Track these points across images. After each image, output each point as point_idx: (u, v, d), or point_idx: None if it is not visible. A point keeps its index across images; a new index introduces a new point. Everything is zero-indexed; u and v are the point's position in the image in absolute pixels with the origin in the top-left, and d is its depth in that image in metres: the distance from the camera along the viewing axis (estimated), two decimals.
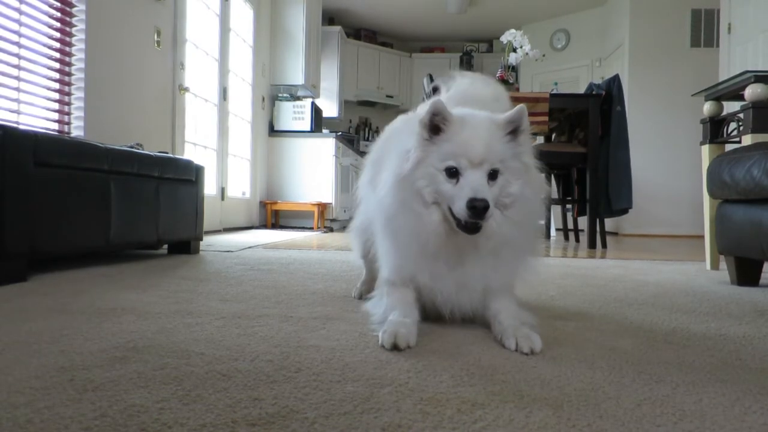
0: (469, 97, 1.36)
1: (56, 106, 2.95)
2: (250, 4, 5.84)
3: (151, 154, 2.67)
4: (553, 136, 5.16)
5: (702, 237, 2.82)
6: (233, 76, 5.47)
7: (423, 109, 1.37)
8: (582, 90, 6.50)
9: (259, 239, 4.22)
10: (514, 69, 6.58)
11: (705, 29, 6.59)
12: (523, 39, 4.86)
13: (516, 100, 4.41)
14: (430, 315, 1.30)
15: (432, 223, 1.15)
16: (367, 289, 1.63)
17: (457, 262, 1.20)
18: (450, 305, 1.24)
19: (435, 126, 1.15)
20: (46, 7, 2.85)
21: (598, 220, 4.22)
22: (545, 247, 3.88)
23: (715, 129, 2.67)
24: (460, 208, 1.08)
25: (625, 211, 4.39)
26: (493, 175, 1.13)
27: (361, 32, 9.06)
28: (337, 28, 8.14)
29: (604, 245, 4.22)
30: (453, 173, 1.12)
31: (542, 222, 1.28)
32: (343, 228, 6.44)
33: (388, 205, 1.19)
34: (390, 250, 1.28)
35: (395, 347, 1.07)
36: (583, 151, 4.23)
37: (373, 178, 1.38)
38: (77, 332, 1.15)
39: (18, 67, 2.65)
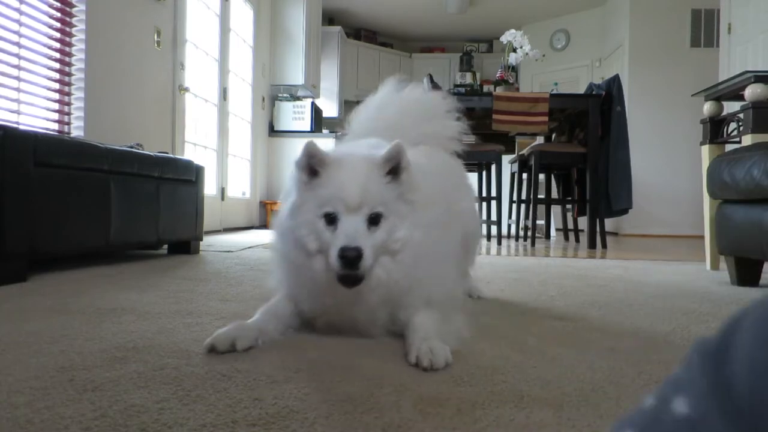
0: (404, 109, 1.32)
1: (56, 106, 2.95)
2: (250, 4, 5.84)
3: (151, 154, 2.67)
4: (553, 136, 5.16)
5: (702, 237, 2.81)
6: (233, 76, 5.47)
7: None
8: (582, 90, 6.48)
9: (259, 239, 4.22)
10: (514, 69, 6.58)
11: (705, 29, 6.59)
12: (523, 39, 4.86)
13: (516, 100, 4.41)
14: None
15: (316, 272, 1.06)
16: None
17: (349, 312, 1.10)
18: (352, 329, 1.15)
19: (312, 169, 1.08)
20: (46, 7, 2.85)
21: (598, 220, 4.22)
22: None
23: (715, 129, 2.67)
24: (333, 258, 0.99)
25: (625, 212, 4.39)
26: (374, 219, 1.04)
27: (361, 32, 9.06)
28: (337, 28, 8.14)
29: (604, 245, 4.22)
30: (331, 219, 1.04)
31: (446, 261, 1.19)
32: None
33: (277, 241, 1.16)
34: (278, 266, 1.21)
35: (212, 349, 1.02)
36: (583, 151, 4.23)
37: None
38: (77, 332, 1.15)
39: (18, 67, 2.65)
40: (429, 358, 0.95)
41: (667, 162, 6.64)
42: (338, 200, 1.03)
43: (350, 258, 0.97)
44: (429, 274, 1.14)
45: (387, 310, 1.12)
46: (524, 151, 4.71)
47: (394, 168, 1.09)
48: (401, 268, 1.07)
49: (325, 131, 6.58)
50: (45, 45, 2.86)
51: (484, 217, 4.90)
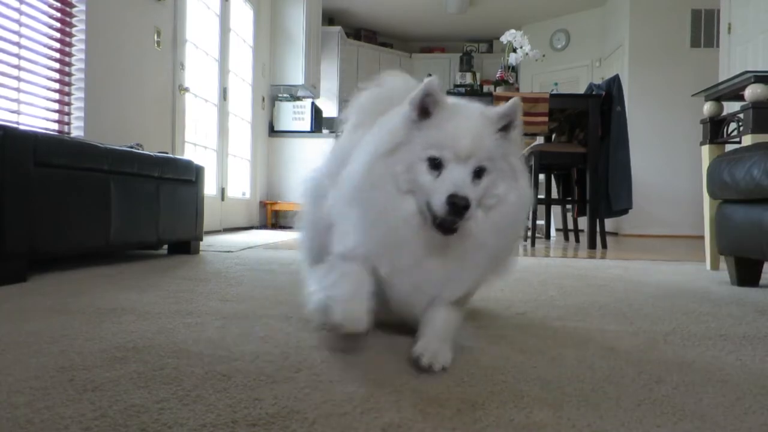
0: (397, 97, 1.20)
1: (56, 106, 2.95)
2: (250, 4, 5.84)
3: (151, 154, 2.67)
4: (553, 136, 5.16)
5: (702, 237, 2.82)
6: (233, 76, 5.47)
7: (397, 83, 1.28)
8: (582, 90, 6.49)
9: (259, 239, 4.23)
10: (514, 69, 6.58)
11: (705, 29, 6.59)
12: (523, 39, 4.86)
13: None
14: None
15: (404, 211, 1.03)
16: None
17: (422, 260, 1.06)
18: (400, 307, 1.12)
19: (424, 108, 1.04)
20: (46, 7, 2.85)
21: (598, 220, 4.22)
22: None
23: (715, 129, 2.67)
24: (439, 203, 0.97)
25: (625, 212, 4.39)
26: (478, 173, 1.02)
27: (361, 32, 9.06)
28: (337, 28, 8.14)
29: (604, 245, 4.22)
30: (436, 164, 1.01)
31: (522, 234, 1.18)
32: None
33: (359, 180, 1.06)
34: (352, 226, 1.11)
35: (338, 328, 0.97)
36: (583, 151, 4.23)
37: (335, 173, 1.21)
38: (77, 332, 1.15)
39: (18, 67, 2.65)
40: (430, 358, 0.95)
41: (667, 162, 6.65)
42: (448, 147, 1.00)
43: (459, 206, 0.95)
44: (507, 244, 1.13)
45: (454, 271, 1.08)
46: (524, 151, 4.71)
47: (506, 125, 1.07)
48: (491, 225, 1.06)
49: (325, 131, 6.59)
50: (45, 45, 2.86)
51: None
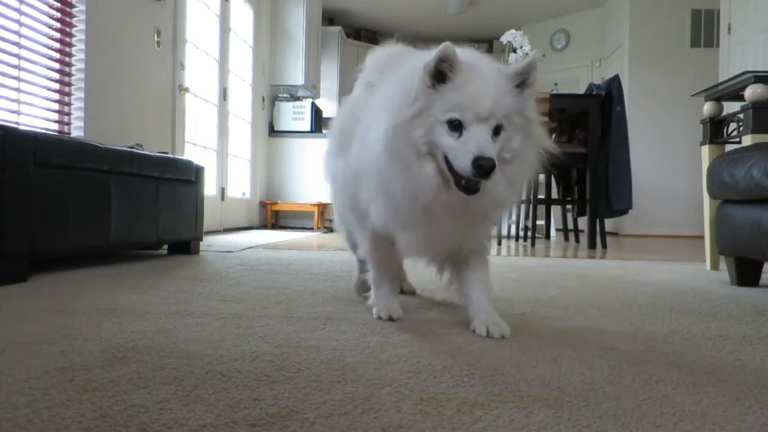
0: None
1: (56, 106, 2.95)
2: (250, 4, 5.84)
3: (151, 154, 2.67)
4: (553, 136, 5.16)
5: (702, 237, 2.82)
6: (233, 76, 5.47)
7: (372, 59, 1.44)
8: (582, 90, 6.49)
9: (259, 239, 4.23)
10: None
11: (705, 29, 6.59)
12: (523, 39, 4.86)
13: None
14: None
15: (424, 176, 1.08)
16: (363, 286, 1.56)
17: (442, 220, 1.14)
18: (426, 255, 1.32)
19: (440, 73, 1.06)
20: (46, 8, 2.85)
21: (598, 220, 4.22)
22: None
23: (715, 129, 2.67)
24: (465, 166, 1.01)
25: (625, 212, 4.39)
26: (497, 130, 1.06)
27: (361, 32, 9.06)
28: (337, 29, 8.14)
29: (604, 245, 4.22)
30: (456, 126, 1.04)
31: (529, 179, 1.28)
32: None
33: (378, 156, 1.11)
34: (380, 205, 1.20)
35: (390, 319, 1.33)
36: (583, 151, 4.23)
37: (342, 149, 1.35)
38: (77, 332, 1.15)
39: (18, 67, 2.65)
40: (499, 331, 1.19)
41: (667, 162, 6.65)
42: (468, 109, 1.03)
43: (486, 168, 0.99)
44: (518, 193, 1.22)
45: (472, 224, 1.19)
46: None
47: (521, 83, 1.10)
48: (506, 180, 1.11)
49: (325, 131, 6.58)
50: (45, 45, 2.86)
51: None
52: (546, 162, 1.20)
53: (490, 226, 1.32)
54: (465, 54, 1.10)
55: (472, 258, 1.30)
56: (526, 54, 4.84)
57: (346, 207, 1.45)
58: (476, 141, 1.02)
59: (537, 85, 1.13)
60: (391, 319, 1.32)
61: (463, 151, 1.02)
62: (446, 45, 1.05)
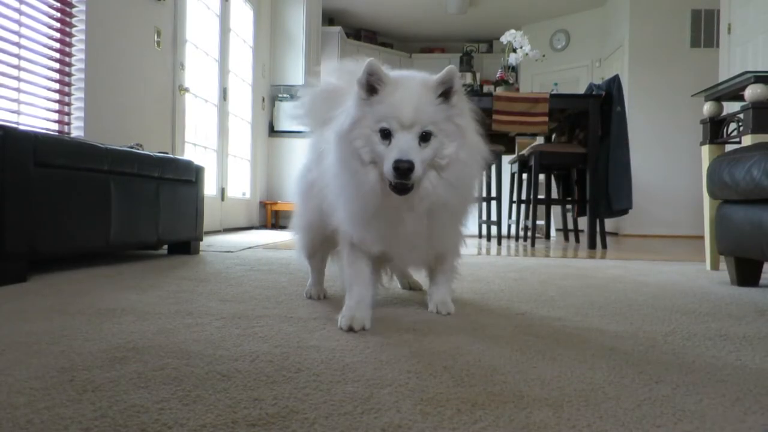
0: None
1: (56, 106, 2.95)
2: (250, 4, 5.84)
3: (151, 154, 2.67)
4: (553, 136, 5.16)
5: (702, 237, 2.81)
6: (233, 76, 5.47)
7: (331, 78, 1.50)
8: (582, 90, 6.49)
9: (259, 240, 4.23)
10: (514, 69, 6.57)
11: (705, 29, 6.59)
12: (523, 39, 4.86)
13: (516, 100, 4.41)
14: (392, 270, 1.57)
15: (368, 183, 1.18)
16: (317, 292, 1.66)
17: (398, 223, 1.24)
18: (403, 261, 1.44)
19: (371, 86, 1.17)
20: (46, 8, 2.85)
21: (598, 220, 4.22)
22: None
23: (715, 129, 2.67)
24: (388, 169, 1.12)
25: (625, 212, 4.39)
26: (425, 137, 1.16)
27: (361, 32, 9.06)
28: (337, 29, 8.14)
29: (604, 246, 4.22)
30: (386, 134, 1.16)
31: (476, 188, 1.38)
32: None
33: (333, 164, 1.23)
34: (341, 209, 1.29)
35: (351, 329, 1.20)
36: (583, 151, 4.23)
37: (317, 164, 1.42)
38: (77, 333, 1.15)
39: (18, 67, 2.65)
40: (445, 309, 1.42)
41: (667, 162, 6.65)
42: (393, 118, 1.15)
43: (403, 169, 1.10)
44: (465, 197, 1.31)
45: (430, 228, 1.27)
46: (524, 152, 4.71)
47: (446, 91, 1.19)
48: (445, 183, 1.20)
49: None
50: (45, 45, 2.86)
51: (484, 217, 4.90)
52: (486, 165, 1.32)
53: (456, 228, 1.41)
54: (395, 72, 1.23)
55: (441, 262, 1.47)
56: (526, 54, 4.85)
57: (308, 215, 1.55)
58: (399, 146, 1.13)
59: (460, 92, 1.22)
60: (351, 329, 1.20)
61: (388, 157, 1.13)
62: (371, 61, 1.16)
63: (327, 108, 1.38)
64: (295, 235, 1.65)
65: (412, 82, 1.18)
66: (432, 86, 1.18)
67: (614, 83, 4.25)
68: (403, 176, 1.10)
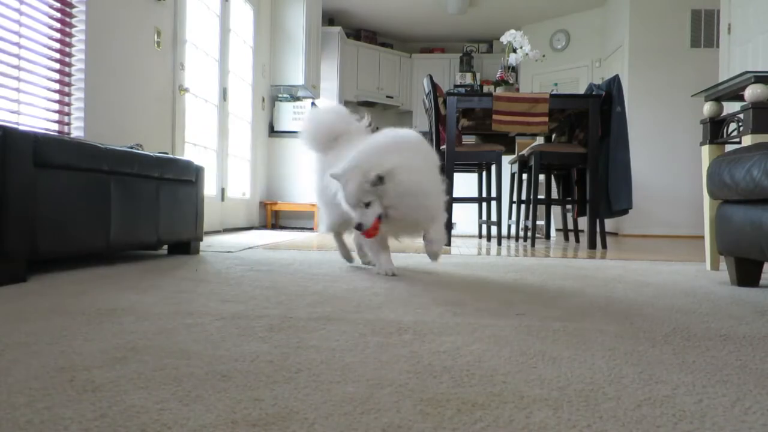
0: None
1: (56, 106, 2.95)
2: (250, 4, 5.84)
3: (151, 154, 2.67)
4: (553, 136, 5.17)
5: (702, 237, 2.82)
6: (233, 76, 5.47)
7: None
8: (582, 90, 6.49)
9: (259, 240, 4.23)
10: (514, 69, 6.58)
11: (705, 29, 6.59)
12: (523, 39, 4.86)
13: (516, 100, 4.41)
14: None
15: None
16: (345, 254, 2.64)
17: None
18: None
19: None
20: (46, 8, 2.85)
21: (598, 220, 4.22)
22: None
23: (715, 129, 2.67)
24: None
25: (625, 212, 4.39)
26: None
27: (361, 33, 9.06)
28: (337, 29, 8.14)
29: (604, 246, 4.22)
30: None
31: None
32: None
33: (320, 201, 2.43)
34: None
35: (393, 274, 2.14)
36: (583, 151, 4.23)
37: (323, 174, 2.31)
38: (77, 333, 1.15)
39: (18, 67, 2.65)
40: (433, 257, 2.18)
41: (668, 162, 6.65)
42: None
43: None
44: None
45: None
46: (524, 152, 4.71)
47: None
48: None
49: None
50: (45, 45, 2.86)
51: (484, 217, 4.90)
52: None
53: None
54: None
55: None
56: (526, 54, 4.85)
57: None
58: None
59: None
60: (394, 274, 2.14)
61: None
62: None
63: (327, 141, 2.35)
64: (321, 220, 2.47)
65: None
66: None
67: (614, 83, 4.25)
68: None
